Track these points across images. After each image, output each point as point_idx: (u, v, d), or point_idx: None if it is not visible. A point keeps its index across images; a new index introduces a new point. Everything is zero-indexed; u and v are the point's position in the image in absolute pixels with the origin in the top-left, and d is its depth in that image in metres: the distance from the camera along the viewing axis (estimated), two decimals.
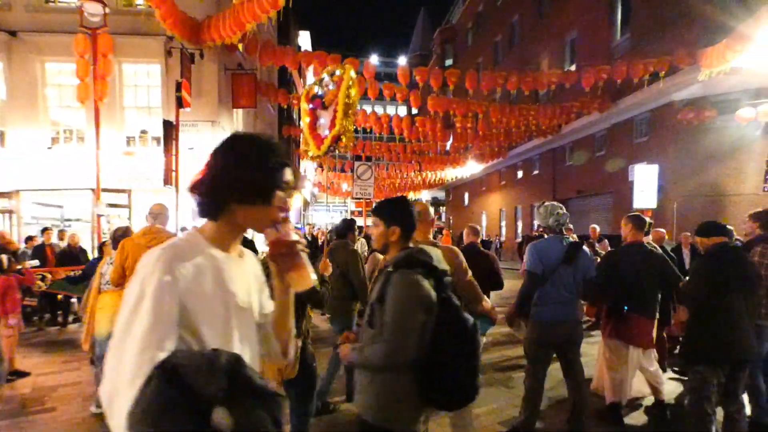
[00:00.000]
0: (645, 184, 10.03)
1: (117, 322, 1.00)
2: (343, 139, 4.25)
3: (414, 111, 26.45)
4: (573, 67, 16.02)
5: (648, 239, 4.81)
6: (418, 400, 1.87)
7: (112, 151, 10.16)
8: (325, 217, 46.72)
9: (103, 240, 7.24)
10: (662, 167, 10.60)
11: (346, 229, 4.66)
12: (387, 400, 1.90)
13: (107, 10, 7.62)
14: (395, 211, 2.02)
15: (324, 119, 4.37)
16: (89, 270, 5.36)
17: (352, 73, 4.22)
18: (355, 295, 4.28)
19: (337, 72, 4.31)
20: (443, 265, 1.97)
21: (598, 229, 8.77)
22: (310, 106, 4.47)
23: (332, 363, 4.32)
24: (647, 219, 4.30)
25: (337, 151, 4.67)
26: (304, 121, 4.59)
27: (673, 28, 10.94)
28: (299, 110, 17.50)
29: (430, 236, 2.97)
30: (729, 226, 3.49)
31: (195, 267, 1.07)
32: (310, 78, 25.31)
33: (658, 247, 4.50)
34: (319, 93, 4.42)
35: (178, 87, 8.64)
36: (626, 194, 11.35)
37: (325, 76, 4.40)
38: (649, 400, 4.39)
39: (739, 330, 3.12)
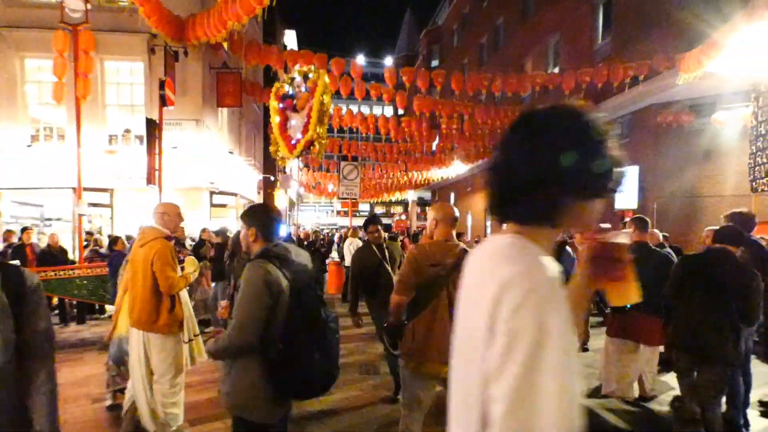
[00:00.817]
0: (626, 185, 10.24)
1: (510, 372, 0.74)
2: (317, 146, 4.21)
3: (400, 111, 26.54)
4: (556, 70, 16.26)
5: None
6: (272, 388, 1.97)
7: (94, 150, 10.01)
8: (312, 218, 46.58)
9: (116, 236, 7.19)
10: (642, 168, 10.85)
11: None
12: (241, 389, 2.00)
13: (89, 6, 7.51)
14: (253, 215, 2.22)
15: (296, 121, 4.30)
16: (113, 267, 5.38)
17: (326, 79, 4.20)
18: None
19: (310, 75, 4.24)
20: (303, 261, 2.15)
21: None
22: (281, 105, 4.39)
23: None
24: (648, 220, 4.42)
25: (311, 155, 4.63)
26: (273, 120, 4.50)
27: (653, 33, 11.18)
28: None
29: (453, 235, 2.94)
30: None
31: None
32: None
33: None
34: (290, 92, 4.32)
35: (162, 85, 8.55)
36: None
37: (297, 76, 4.34)
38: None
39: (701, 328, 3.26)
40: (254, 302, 1.94)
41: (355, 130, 13.39)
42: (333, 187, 22.82)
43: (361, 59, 19.64)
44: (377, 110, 39.89)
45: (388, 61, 40.14)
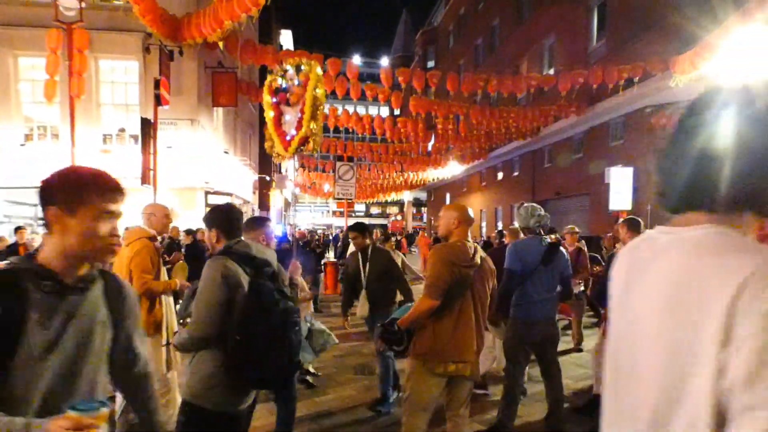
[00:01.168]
0: (620, 186, 10.31)
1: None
2: (311, 143, 4.13)
3: (396, 112, 26.55)
4: (551, 71, 16.33)
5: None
6: (230, 378, 2.04)
7: (88, 149, 9.95)
8: (308, 218, 46.55)
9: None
10: (637, 170, 10.89)
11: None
12: (200, 378, 2.07)
13: (83, 4, 7.47)
14: (213, 217, 2.33)
15: (290, 116, 4.18)
16: None
17: (319, 70, 4.09)
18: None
19: (302, 67, 4.11)
20: (266, 258, 2.23)
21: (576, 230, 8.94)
22: (274, 99, 4.27)
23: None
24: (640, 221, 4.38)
25: (305, 152, 4.54)
26: (268, 116, 4.38)
27: (647, 35, 11.25)
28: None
29: (468, 235, 2.91)
30: None
31: None
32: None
33: None
34: (284, 86, 4.21)
35: (157, 84, 8.52)
36: (603, 196, 11.64)
37: (289, 69, 4.20)
38: None
39: None
40: (211, 296, 2.02)
41: (351, 130, 13.40)
42: (329, 188, 22.81)
43: (357, 59, 19.58)
44: (373, 111, 39.93)
45: (384, 61, 40.19)
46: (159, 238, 3.62)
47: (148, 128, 8.68)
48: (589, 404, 4.18)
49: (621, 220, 4.26)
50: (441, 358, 2.72)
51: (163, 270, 3.51)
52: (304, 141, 4.13)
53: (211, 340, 2.04)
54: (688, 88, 8.79)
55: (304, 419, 4.11)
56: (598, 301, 6.06)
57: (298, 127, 4.11)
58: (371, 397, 4.58)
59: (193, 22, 7.84)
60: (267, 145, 4.75)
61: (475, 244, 2.91)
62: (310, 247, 10.50)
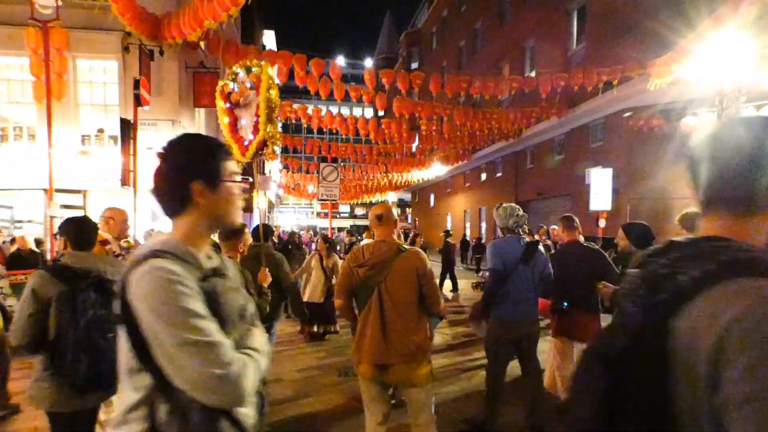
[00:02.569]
0: (600, 187, 10.49)
1: None
2: (270, 146, 4.06)
3: (380, 113, 26.59)
4: (533, 74, 16.56)
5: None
6: (56, 382, 2.27)
7: (66, 150, 9.74)
8: (291, 219, 46.26)
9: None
10: (616, 171, 11.11)
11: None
12: (33, 382, 2.32)
13: (60, 2, 7.32)
14: (64, 227, 2.53)
15: (245, 120, 4.12)
16: None
17: (270, 71, 4.01)
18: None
19: (253, 69, 4.04)
20: (89, 267, 2.40)
21: (557, 229, 9.07)
22: (228, 104, 4.20)
23: None
24: (576, 219, 4.40)
25: (266, 156, 4.45)
26: (223, 122, 4.30)
27: (624, 39, 11.50)
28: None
29: (394, 236, 2.98)
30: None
31: None
32: (276, 82, 24.94)
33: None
34: (236, 89, 4.14)
35: (137, 84, 8.38)
36: (583, 196, 11.83)
37: (240, 72, 4.12)
38: None
39: None
40: (22, 308, 2.25)
41: (335, 131, 13.37)
42: (313, 189, 22.72)
43: (341, 60, 19.56)
44: (357, 112, 39.91)
45: (369, 62, 40.21)
46: (119, 242, 3.59)
47: (127, 129, 8.54)
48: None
49: (601, 220, 4.33)
50: (358, 359, 2.79)
51: None
52: (263, 145, 4.06)
53: (28, 348, 2.28)
54: (665, 91, 9.02)
55: (287, 422, 4.10)
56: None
57: (255, 131, 4.04)
58: (355, 400, 4.59)
59: (173, 22, 7.74)
60: None
61: (398, 242, 2.91)
62: (288, 247, 10.39)
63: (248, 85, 4.02)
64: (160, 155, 1.20)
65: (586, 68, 10.57)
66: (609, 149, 13.04)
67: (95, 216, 3.28)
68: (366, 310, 2.77)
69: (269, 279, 3.34)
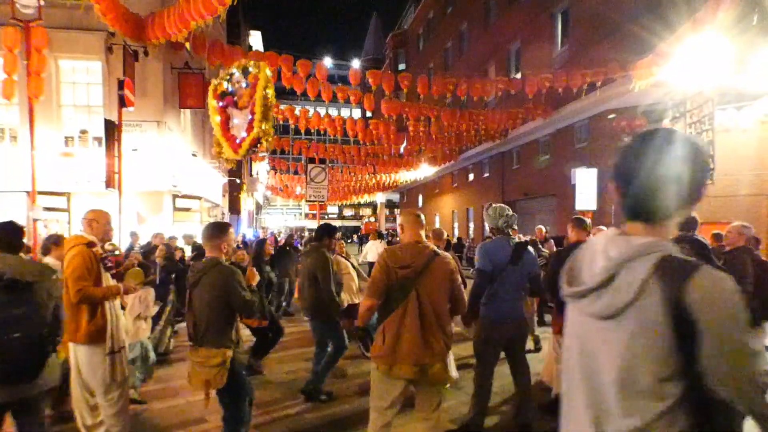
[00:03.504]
0: (585, 187, 10.66)
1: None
2: (264, 143, 4.08)
3: (368, 114, 26.62)
4: (518, 75, 16.72)
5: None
6: None
7: (49, 152, 9.60)
8: (280, 221, 46.01)
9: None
10: (601, 171, 11.28)
11: (322, 233, 4.67)
12: None
13: (42, 2, 7.21)
14: None
15: (238, 120, 4.13)
16: None
17: (268, 72, 4.04)
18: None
19: (251, 69, 4.06)
20: (13, 270, 2.55)
21: (544, 229, 9.19)
22: (220, 104, 4.22)
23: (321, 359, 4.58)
24: (588, 220, 4.51)
25: (259, 153, 4.50)
26: (214, 121, 4.31)
27: (607, 42, 11.68)
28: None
29: (422, 237, 3.01)
30: None
31: None
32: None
33: None
34: (230, 89, 4.16)
35: (121, 85, 8.30)
36: (569, 196, 12.00)
37: (236, 72, 4.14)
38: None
39: None
40: None
41: (322, 132, 13.36)
42: (301, 190, 22.65)
43: (328, 61, 19.53)
44: (345, 112, 39.87)
45: (356, 63, 40.23)
46: (103, 244, 3.56)
47: (112, 130, 8.44)
48: (552, 403, 4.30)
49: (572, 220, 4.38)
50: (388, 360, 2.77)
51: (106, 276, 3.38)
52: (256, 142, 4.07)
53: None
54: (647, 93, 9.19)
55: (273, 422, 4.09)
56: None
57: (249, 128, 4.06)
58: (344, 401, 4.60)
59: (158, 22, 7.65)
60: (215, 150, 4.63)
61: (433, 246, 2.96)
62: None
63: (244, 84, 4.05)
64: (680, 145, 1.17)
65: (570, 70, 10.72)
66: (593, 150, 13.22)
67: (79, 218, 3.26)
68: (401, 312, 2.77)
69: (256, 279, 3.38)
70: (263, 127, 3.99)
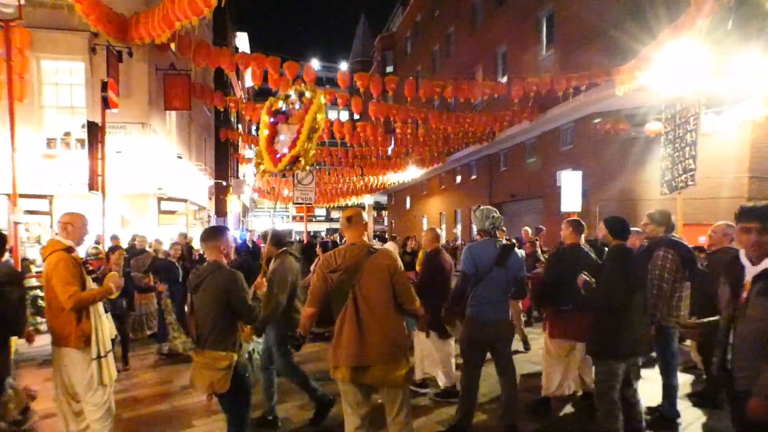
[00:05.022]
0: (570, 189, 10.78)
1: None
2: (302, 161, 4.30)
3: (356, 116, 26.60)
4: (505, 78, 16.88)
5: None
6: None
7: (31, 154, 9.43)
8: (267, 223, 45.71)
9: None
10: (585, 173, 11.43)
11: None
12: None
13: (22, 1, 7.08)
14: None
15: (284, 136, 4.37)
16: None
17: (322, 99, 4.34)
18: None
19: (307, 94, 4.35)
20: None
21: (530, 231, 9.29)
22: (272, 119, 4.46)
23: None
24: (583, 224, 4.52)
25: (294, 171, 4.76)
26: (262, 134, 4.55)
27: (591, 47, 11.86)
28: (237, 112, 17.03)
29: (365, 238, 3.04)
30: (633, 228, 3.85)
31: None
32: (249, 84, 24.57)
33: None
34: (284, 109, 4.43)
35: (104, 86, 8.17)
36: (554, 198, 12.12)
37: (292, 94, 4.44)
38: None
39: (640, 327, 3.44)
40: None
41: None
42: (288, 192, 22.54)
43: (315, 63, 19.46)
44: (332, 115, 39.80)
45: (344, 65, 40.19)
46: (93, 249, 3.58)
47: (95, 132, 8.31)
48: (538, 404, 4.34)
49: (567, 221, 4.39)
50: (335, 363, 2.81)
51: (88, 279, 3.38)
52: (296, 159, 4.30)
53: None
54: (630, 97, 9.35)
55: (260, 427, 4.07)
56: (536, 301, 6.14)
57: (292, 146, 4.31)
58: (335, 405, 4.58)
59: (142, 22, 7.55)
60: (255, 161, 4.89)
61: (370, 244, 2.96)
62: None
63: (297, 105, 4.30)
64: None
65: (555, 74, 10.86)
66: (578, 152, 13.40)
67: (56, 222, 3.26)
68: (342, 314, 2.80)
69: (264, 287, 3.47)
70: (306, 146, 4.25)
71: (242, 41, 27.65)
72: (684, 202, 6.66)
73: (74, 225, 3.38)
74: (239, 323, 3.03)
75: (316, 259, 7.26)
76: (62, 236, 3.34)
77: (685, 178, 6.15)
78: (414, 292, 3.01)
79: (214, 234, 3.09)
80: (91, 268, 3.75)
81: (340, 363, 2.77)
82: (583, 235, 4.33)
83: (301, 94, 4.41)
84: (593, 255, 4.22)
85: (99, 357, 3.31)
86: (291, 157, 4.33)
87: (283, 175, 21.62)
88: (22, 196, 7.51)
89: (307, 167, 4.58)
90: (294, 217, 47.59)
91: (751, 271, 2.37)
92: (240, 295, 2.87)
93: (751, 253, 2.37)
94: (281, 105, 4.51)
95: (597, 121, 11.46)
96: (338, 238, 21.47)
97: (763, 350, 2.23)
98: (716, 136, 10.28)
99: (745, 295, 2.36)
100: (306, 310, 2.92)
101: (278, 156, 4.44)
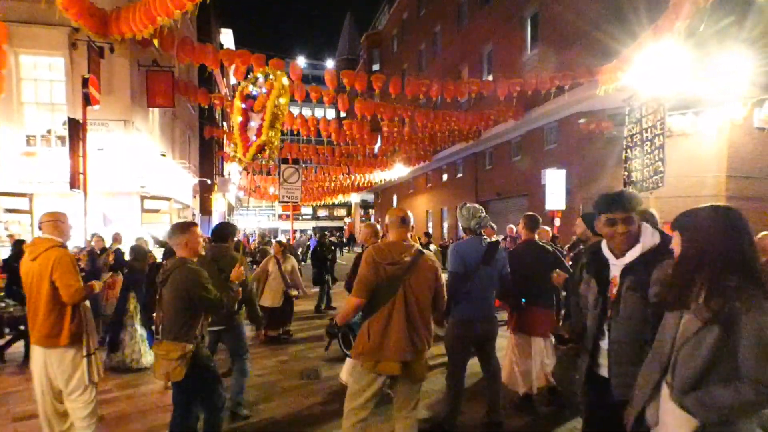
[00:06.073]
0: (555, 187, 10.93)
1: None
2: (267, 151, 4.15)
3: (342, 114, 26.54)
4: (490, 77, 17.00)
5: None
6: None
7: (10, 151, 9.24)
8: (253, 222, 45.37)
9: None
10: (569, 172, 11.59)
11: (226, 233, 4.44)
12: None
13: None
14: None
15: (254, 123, 4.24)
16: None
17: (285, 81, 4.13)
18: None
19: (270, 76, 4.18)
20: None
21: (515, 228, 9.39)
22: (243, 105, 4.31)
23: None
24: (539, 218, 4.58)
25: (261, 161, 4.58)
26: (236, 121, 4.40)
27: (574, 47, 12.02)
28: (222, 110, 16.78)
29: (409, 238, 3.06)
30: None
31: None
32: (235, 82, 24.41)
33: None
34: (254, 93, 4.26)
35: (85, 83, 8.04)
36: (539, 196, 12.28)
37: (260, 76, 4.26)
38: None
39: None
40: None
41: (296, 132, 13.27)
42: (274, 191, 22.40)
43: (301, 61, 19.43)
44: (318, 113, 39.66)
45: (330, 63, 40.05)
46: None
47: (76, 129, 8.17)
48: (523, 400, 4.39)
49: (557, 218, 4.48)
50: (373, 357, 2.80)
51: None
52: (261, 149, 4.15)
53: None
54: (612, 97, 9.50)
55: (249, 426, 4.06)
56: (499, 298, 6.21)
57: (258, 133, 4.14)
58: (317, 402, 4.59)
59: (123, 17, 7.42)
60: (230, 149, 4.79)
61: (416, 244, 3.02)
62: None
63: (263, 90, 4.12)
64: None
65: (539, 73, 10.97)
66: (562, 151, 13.56)
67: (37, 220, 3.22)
68: (388, 308, 2.80)
69: (242, 277, 3.45)
70: (269, 135, 4.07)
71: (227, 38, 27.36)
72: (663, 200, 6.81)
73: (63, 221, 3.38)
74: (201, 317, 3.08)
75: (268, 257, 7.24)
76: (53, 234, 3.32)
77: (655, 180, 6.37)
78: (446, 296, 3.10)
79: (179, 230, 3.14)
80: (81, 265, 3.75)
81: (389, 356, 2.77)
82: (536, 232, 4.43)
83: (266, 76, 4.27)
84: (550, 250, 4.31)
85: (89, 354, 3.33)
86: (257, 146, 4.21)
87: (268, 173, 21.51)
88: (1, 194, 7.37)
89: (272, 159, 4.45)
90: (280, 216, 47.35)
91: (617, 265, 2.20)
92: (199, 292, 2.93)
93: (619, 245, 2.19)
94: (251, 89, 4.38)
95: (582, 120, 11.62)
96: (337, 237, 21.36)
97: (637, 355, 2.06)
98: (695, 137, 10.51)
99: (615, 291, 2.19)
100: (355, 300, 2.86)
101: (249, 144, 4.35)
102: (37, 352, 3.25)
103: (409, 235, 3.08)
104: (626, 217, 2.14)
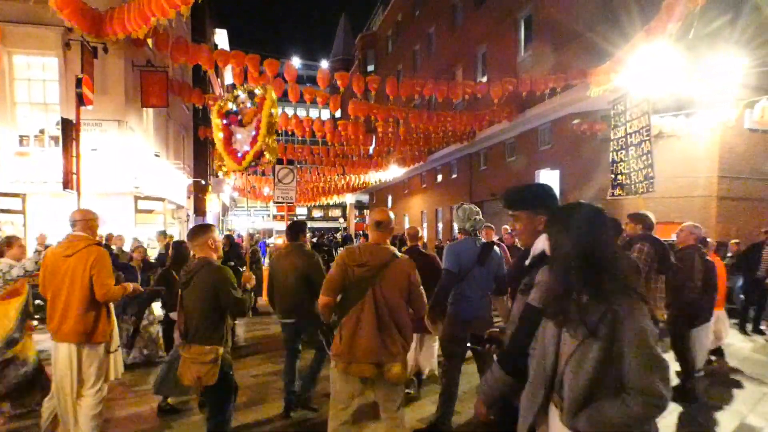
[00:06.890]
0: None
1: None
2: (267, 155, 4.35)
3: (337, 114, 26.53)
4: (485, 79, 17.05)
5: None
6: None
7: (3, 151, 9.18)
8: (246, 222, 45.21)
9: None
10: (563, 173, 11.67)
11: (297, 231, 4.52)
12: None
13: None
14: None
15: (241, 135, 4.43)
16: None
17: (273, 95, 4.35)
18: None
19: (257, 91, 4.38)
20: None
21: (509, 229, 9.41)
22: (224, 121, 4.48)
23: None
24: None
25: (262, 165, 4.79)
26: (217, 137, 4.57)
27: (568, 49, 12.09)
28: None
29: (386, 242, 3.06)
30: None
31: None
32: (229, 82, 24.28)
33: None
34: (234, 110, 4.46)
35: (79, 83, 8.00)
36: None
37: (240, 94, 4.46)
38: None
39: None
40: None
41: (290, 133, 13.24)
42: (268, 191, 22.34)
43: (296, 61, 19.35)
44: (313, 113, 39.63)
45: (324, 64, 40.01)
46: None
47: (69, 129, 8.13)
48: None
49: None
50: (345, 358, 2.83)
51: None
52: (259, 154, 4.34)
53: None
54: (605, 98, 9.58)
55: (243, 429, 4.05)
56: None
57: (253, 142, 4.36)
58: (316, 404, 4.59)
59: (117, 17, 7.39)
60: (217, 164, 4.92)
61: (394, 249, 3.01)
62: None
63: (249, 104, 4.33)
64: None
65: (533, 75, 11.03)
66: (556, 152, 13.64)
67: (36, 220, 3.25)
68: (357, 310, 2.82)
69: (253, 281, 3.60)
70: (267, 141, 4.28)
71: (221, 38, 27.27)
72: (657, 201, 6.88)
73: (95, 220, 3.47)
74: (227, 318, 3.06)
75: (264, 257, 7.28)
76: (87, 233, 3.38)
77: (645, 185, 6.46)
78: (425, 302, 3.10)
79: (200, 231, 3.14)
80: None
81: (359, 358, 2.79)
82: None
83: (250, 93, 4.49)
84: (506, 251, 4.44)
85: (113, 351, 3.50)
86: (255, 153, 4.41)
87: (263, 173, 21.47)
88: None
89: (274, 160, 4.64)
90: (275, 216, 47.18)
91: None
92: (228, 290, 2.92)
93: (520, 240, 2.19)
94: (231, 106, 4.60)
95: (576, 122, 11.69)
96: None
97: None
98: (687, 138, 10.61)
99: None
100: (323, 299, 2.91)
101: (240, 155, 4.52)
102: (63, 349, 3.25)
103: (388, 240, 3.10)
104: (514, 215, 2.21)
